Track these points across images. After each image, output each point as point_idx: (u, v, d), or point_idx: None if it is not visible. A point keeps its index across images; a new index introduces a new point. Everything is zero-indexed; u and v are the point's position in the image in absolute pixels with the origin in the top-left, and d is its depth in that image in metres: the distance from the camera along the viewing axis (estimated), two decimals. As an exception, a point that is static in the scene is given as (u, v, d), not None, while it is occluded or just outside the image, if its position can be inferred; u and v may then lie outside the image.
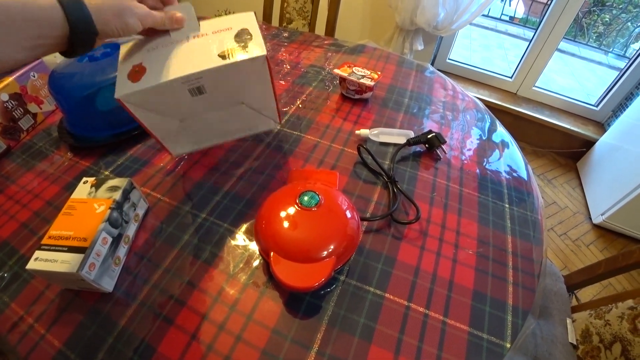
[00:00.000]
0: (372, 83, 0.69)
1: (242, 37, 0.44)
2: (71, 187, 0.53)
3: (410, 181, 0.56)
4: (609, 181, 1.49)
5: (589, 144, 1.73)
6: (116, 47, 0.65)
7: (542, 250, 0.49)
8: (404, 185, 0.55)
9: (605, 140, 1.64)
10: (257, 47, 0.43)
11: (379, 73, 0.72)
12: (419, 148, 0.62)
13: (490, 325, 0.39)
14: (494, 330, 0.39)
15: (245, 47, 0.43)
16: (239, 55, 0.42)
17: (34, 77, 0.67)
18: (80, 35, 0.32)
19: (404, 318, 0.39)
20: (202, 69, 0.41)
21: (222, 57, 0.43)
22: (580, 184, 1.70)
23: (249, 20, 0.46)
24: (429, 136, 0.60)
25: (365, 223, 0.49)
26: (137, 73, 0.42)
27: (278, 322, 0.38)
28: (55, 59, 0.76)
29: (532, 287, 0.44)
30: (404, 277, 0.43)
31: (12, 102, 0.62)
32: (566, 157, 1.86)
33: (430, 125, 0.69)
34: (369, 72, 0.72)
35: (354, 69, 0.72)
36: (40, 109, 0.69)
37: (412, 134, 0.63)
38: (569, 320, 0.70)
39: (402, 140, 0.62)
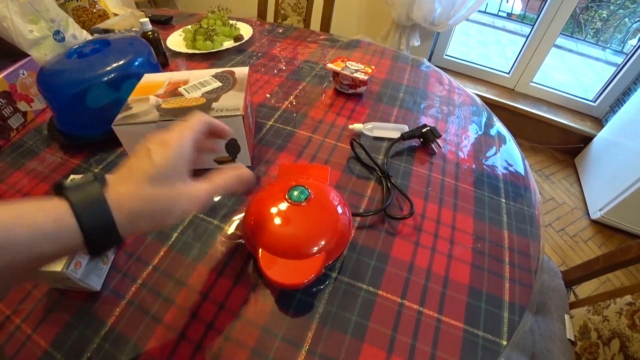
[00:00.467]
0: (365, 77, 0.68)
1: (231, 149, 0.51)
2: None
3: (404, 176, 0.55)
4: (607, 177, 1.49)
5: (587, 139, 1.72)
6: (105, 43, 0.64)
7: (540, 245, 0.48)
8: (398, 180, 0.54)
9: (603, 136, 1.64)
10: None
11: (373, 67, 0.71)
12: (413, 142, 0.61)
13: (486, 322, 0.38)
14: (490, 327, 0.38)
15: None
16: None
17: (24, 74, 0.66)
18: (102, 249, 0.25)
19: (397, 315, 0.38)
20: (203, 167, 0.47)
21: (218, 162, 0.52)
22: (578, 180, 1.70)
23: (237, 130, 0.49)
24: (423, 130, 0.59)
25: (358, 219, 0.48)
26: None
27: (268, 321, 0.37)
28: (45, 56, 0.75)
29: (529, 283, 0.43)
30: (397, 274, 0.42)
31: (2, 100, 0.61)
32: (564, 153, 1.86)
33: (425, 120, 0.68)
34: (362, 67, 0.71)
35: (347, 63, 0.71)
36: (31, 107, 0.68)
37: (406, 129, 0.62)
38: (567, 317, 0.69)
39: (396, 135, 0.61)
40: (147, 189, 0.26)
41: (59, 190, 0.24)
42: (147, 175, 0.26)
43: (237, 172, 0.33)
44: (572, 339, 0.66)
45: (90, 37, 0.85)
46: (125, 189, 0.26)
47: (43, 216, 0.22)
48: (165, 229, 0.30)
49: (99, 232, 0.24)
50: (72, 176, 0.44)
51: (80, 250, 0.24)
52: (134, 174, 0.27)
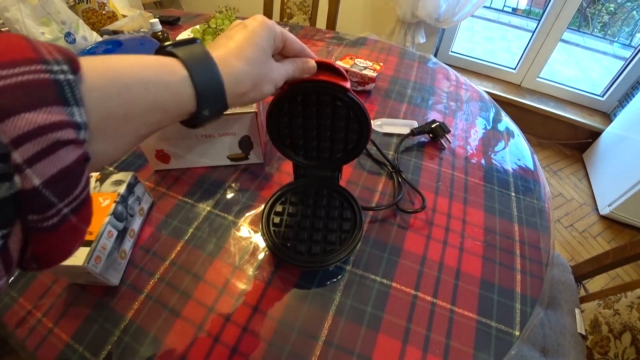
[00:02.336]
0: (374, 74, 0.68)
1: (244, 146, 0.53)
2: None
3: (414, 171, 0.56)
4: (616, 172, 1.47)
5: (595, 134, 1.71)
6: (117, 43, 0.65)
7: (550, 238, 0.48)
8: (408, 175, 0.55)
9: (611, 131, 1.62)
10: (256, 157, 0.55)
11: (381, 64, 0.72)
12: (423, 138, 0.62)
13: (499, 314, 0.39)
14: (503, 318, 0.38)
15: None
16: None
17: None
18: (207, 115, 0.26)
19: (411, 307, 0.39)
20: (217, 163, 0.55)
21: (231, 159, 0.55)
22: (587, 175, 1.68)
23: (249, 126, 0.50)
24: (432, 126, 0.59)
25: (370, 213, 0.49)
26: (162, 157, 0.53)
27: (284, 313, 0.38)
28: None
29: (540, 275, 0.43)
30: (410, 266, 0.42)
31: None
32: (572, 149, 1.84)
33: (434, 115, 0.69)
34: (371, 64, 0.71)
35: (356, 60, 0.72)
36: (44, 107, 0.69)
37: (415, 124, 0.63)
38: (577, 311, 0.69)
39: (405, 131, 0.61)
40: (248, 50, 0.27)
41: (161, 52, 0.25)
42: (247, 38, 0.27)
43: (303, 61, 0.34)
44: (583, 332, 0.66)
45: (100, 39, 0.86)
46: (225, 50, 0.26)
47: (160, 65, 0.23)
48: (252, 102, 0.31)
49: (208, 88, 0.24)
50: (92, 174, 0.45)
51: (183, 112, 0.24)
52: (233, 38, 0.27)
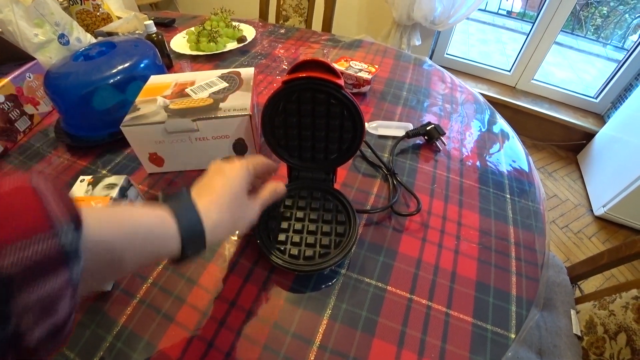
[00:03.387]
0: (369, 76, 0.68)
1: (238, 149, 0.53)
2: (69, 187, 0.52)
3: (410, 173, 0.56)
4: (610, 173, 1.49)
5: (589, 136, 1.72)
6: (111, 45, 0.64)
7: (545, 240, 0.48)
8: (403, 178, 0.55)
9: (605, 132, 1.64)
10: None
11: (377, 67, 0.72)
12: (418, 140, 0.62)
13: (495, 316, 0.39)
14: (498, 321, 0.38)
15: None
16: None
17: (30, 78, 0.67)
18: (189, 255, 0.29)
19: (406, 310, 0.39)
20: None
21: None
22: (581, 177, 1.69)
23: (243, 128, 0.50)
24: (428, 128, 0.59)
25: (365, 216, 0.48)
26: (156, 160, 0.53)
27: (279, 317, 0.38)
28: (50, 60, 0.76)
29: (535, 277, 0.43)
30: (405, 270, 0.42)
31: (8, 103, 0.62)
32: (566, 150, 1.85)
33: (429, 118, 0.69)
34: (366, 66, 0.71)
35: (351, 63, 0.72)
36: (37, 110, 0.68)
37: (411, 127, 0.63)
38: (573, 312, 0.69)
39: (401, 133, 0.61)
40: (226, 199, 0.32)
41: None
42: (225, 187, 0.32)
43: (274, 187, 0.38)
44: (579, 333, 0.66)
45: (94, 40, 0.86)
46: (208, 199, 0.31)
47: (154, 216, 0.27)
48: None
49: (192, 236, 0.28)
50: (81, 177, 0.45)
51: (169, 255, 0.28)
52: (214, 187, 0.32)
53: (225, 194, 0.32)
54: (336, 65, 0.71)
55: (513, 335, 0.37)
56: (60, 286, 0.18)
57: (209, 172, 0.34)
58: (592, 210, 1.52)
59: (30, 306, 0.16)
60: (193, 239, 0.28)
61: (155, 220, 0.27)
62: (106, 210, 0.25)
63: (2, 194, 0.18)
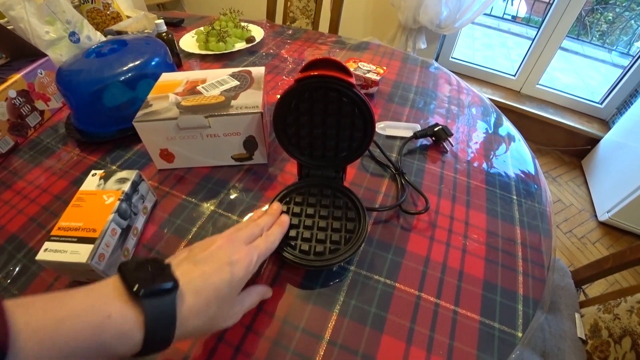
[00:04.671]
0: (377, 78, 0.69)
1: (248, 146, 0.53)
2: (79, 181, 0.53)
3: (417, 173, 0.56)
4: (614, 178, 1.48)
5: (594, 141, 1.72)
6: (123, 43, 0.65)
7: (551, 241, 0.48)
8: (411, 178, 0.55)
9: (610, 138, 1.64)
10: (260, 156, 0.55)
11: (385, 68, 0.72)
12: (425, 141, 0.62)
13: (502, 315, 0.39)
14: (506, 319, 0.38)
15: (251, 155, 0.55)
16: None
17: (41, 74, 0.67)
18: (156, 349, 0.25)
19: (415, 307, 0.39)
20: (221, 163, 0.56)
21: (235, 159, 0.55)
22: (585, 182, 1.69)
23: (254, 126, 0.50)
24: (435, 129, 0.60)
25: (374, 214, 0.49)
26: (167, 156, 0.53)
27: (289, 313, 0.38)
28: (61, 57, 0.77)
29: (542, 277, 0.43)
30: (414, 267, 0.43)
31: (20, 99, 0.63)
32: (570, 155, 1.85)
33: (436, 119, 0.69)
34: (374, 67, 0.72)
35: (359, 64, 0.72)
36: (48, 106, 0.69)
37: (418, 127, 0.63)
38: (577, 315, 0.69)
39: (408, 134, 0.61)
40: (213, 309, 0.28)
41: (130, 279, 0.24)
42: (220, 294, 0.28)
43: (258, 291, 0.36)
44: (583, 337, 0.66)
45: (104, 39, 0.87)
46: (195, 305, 0.27)
47: (112, 333, 0.22)
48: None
49: (156, 346, 0.24)
50: (93, 171, 0.45)
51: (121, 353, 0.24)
52: (208, 289, 0.28)
53: (217, 298, 0.28)
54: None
55: (520, 334, 0.37)
56: None
57: (215, 250, 0.30)
58: (596, 216, 1.52)
59: None
60: (156, 348, 0.25)
61: (114, 335, 0.22)
62: (41, 330, 0.20)
63: None
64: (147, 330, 0.23)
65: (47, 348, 0.20)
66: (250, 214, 0.49)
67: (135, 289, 0.24)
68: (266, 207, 0.44)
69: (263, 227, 0.37)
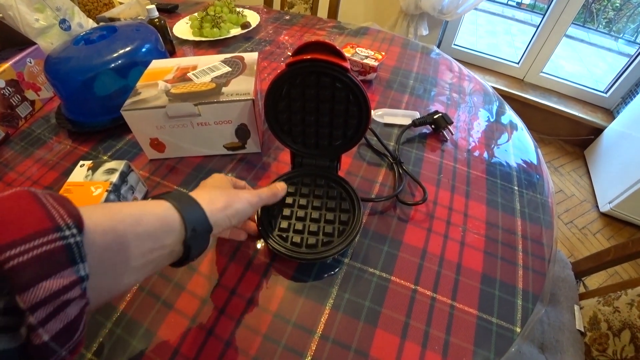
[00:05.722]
0: (375, 64, 0.66)
1: (241, 135, 0.52)
2: (70, 172, 0.51)
3: (416, 163, 0.54)
4: (617, 169, 1.46)
5: (597, 131, 1.69)
6: (112, 29, 0.63)
7: (553, 233, 0.47)
8: (409, 167, 0.53)
9: (614, 128, 1.61)
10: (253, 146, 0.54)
11: (383, 54, 0.70)
12: (424, 129, 0.60)
13: (500, 309, 0.38)
14: (504, 314, 0.37)
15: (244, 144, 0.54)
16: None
17: (31, 63, 0.66)
18: (199, 236, 0.28)
19: (410, 301, 0.38)
20: (213, 152, 0.54)
21: (227, 148, 0.54)
22: (588, 172, 1.67)
23: (246, 113, 0.49)
24: (435, 117, 0.58)
25: (369, 205, 0.47)
26: (157, 145, 0.52)
27: (280, 306, 0.37)
28: (52, 45, 0.75)
29: (542, 270, 0.42)
30: (410, 260, 0.41)
31: (9, 89, 0.61)
32: (573, 145, 1.83)
33: (436, 107, 0.67)
34: (372, 53, 0.69)
35: (357, 49, 0.70)
36: (38, 95, 0.67)
37: (417, 115, 0.61)
38: (576, 307, 0.68)
39: (407, 122, 0.60)
40: (218, 189, 0.33)
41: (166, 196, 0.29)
42: (215, 185, 0.35)
43: (273, 187, 0.39)
44: (582, 329, 0.65)
45: (95, 26, 0.84)
46: (208, 199, 0.30)
47: (161, 209, 0.26)
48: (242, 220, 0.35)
49: (196, 224, 0.28)
50: (80, 162, 0.44)
51: (174, 251, 0.27)
52: (206, 187, 0.34)
53: (215, 187, 0.34)
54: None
55: (518, 329, 0.37)
56: (68, 284, 0.18)
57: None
58: (597, 207, 1.50)
59: (40, 303, 0.16)
60: (196, 233, 0.28)
61: (157, 210, 0.26)
62: (106, 207, 0.24)
63: (1, 198, 0.18)
64: (179, 209, 0.27)
65: (111, 225, 0.22)
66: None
67: (172, 200, 0.28)
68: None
69: None
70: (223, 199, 0.31)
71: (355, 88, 0.36)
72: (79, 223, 0.19)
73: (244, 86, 0.48)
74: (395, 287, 0.39)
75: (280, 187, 0.40)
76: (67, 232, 0.18)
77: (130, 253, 0.23)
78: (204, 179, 0.37)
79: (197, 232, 0.28)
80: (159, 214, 0.26)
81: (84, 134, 0.60)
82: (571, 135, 1.79)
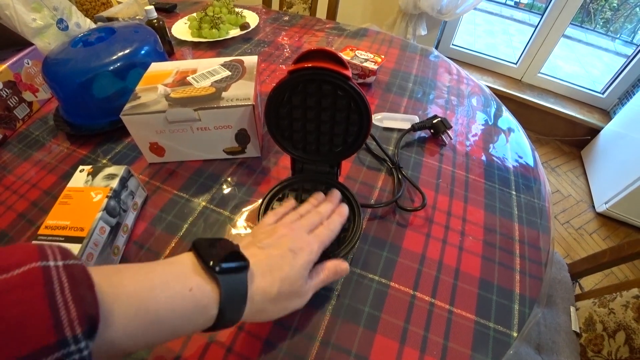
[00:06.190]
0: (375, 67, 0.67)
1: (241, 139, 0.51)
2: (69, 176, 0.52)
3: (415, 167, 0.55)
4: (614, 170, 1.48)
5: (594, 132, 1.70)
6: (111, 31, 0.63)
7: (550, 238, 0.47)
8: (408, 172, 0.54)
9: (610, 128, 1.62)
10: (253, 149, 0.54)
11: (383, 57, 0.70)
12: (423, 133, 0.61)
13: (497, 314, 0.38)
14: (501, 319, 0.38)
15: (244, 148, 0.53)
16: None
17: (28, 64, 0.65)
18: (225, 325, 0.26)
19: (409, 307, 0.38)
20: (213, 157, 0.54)
21: (227, 152, 0.53)
22: (584, 173, 1.68)
23: (246, 118, 0.49)
24: (434, 121, 0.58)
25: (369, 210, 0.48)
26: (157, 150, 0.52)
27: (281, 312, 0.37)
28: (49, 45, 0.74)
29: (539, 275, 0.43)
30: (409, 265, 0.42)
31: (7, 90, 0.61)
32: (570, 145, 1.84)
33: (435, 110, 0.67)
34: (372, 56, 0.69)
35: (356, 52, 0.70)
36: (36, 97, 0.67)
37: (416, 119, 0.61)
38: (572, 309, 0.69)
39: (406, 126, 0.60)
40: (278, 288, 0.28)
41: (208, 251, 0.26)
42: (284, 276, 0.29)
43: (328, 267, 0.35)
44: (578, 330, 0.66)
45: (93, 26, 0.84)
46: (263, 283, 0.28)
47: (193, 306, 0.24)
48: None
49: (226, 322, 0.26)
50: (80, 167, 0.44)
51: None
52: (274, 271, 0.29)
53: (284, 286, 0.29)
54: (342, 55, 0.69)
55: (515, 334, 0.37)
56: None
57: (279, 238, 0.32)
58: (594, 207, 1.52)
59: None
60: (226, 324, 0.26)
61: (194, 308, 0.24)
62: (137, 283, 0.22)
63: (7, 286, 0.16)
64: (221, 305, 0.24)
65: (140, 314, 0.21)
66: (243, 209, 0.48)
67: (211, 264, 0.25)
68: (259, 202, 0.43)
69: (323, 215, 0.37)
70: (264, 317, 0.29)
71: (357, 96, 0.36)
72: (92, 326, 0.18)
73: (244, 91, 0.48)
74: (394, 293, 0.39)
75: (341, 268, 0.36)
76: (73, 347, 0.17)
77: (157, 338, 0.23)
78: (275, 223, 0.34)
79: (226, 325, 0.26)
80: (198, 302, 0.24)
81: (83, 137, 0.60)
82: (568, 136, 1.80)
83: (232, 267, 0.26)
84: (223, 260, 0.25)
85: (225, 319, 0.25)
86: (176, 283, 0.24)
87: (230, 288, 0.25)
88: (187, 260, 0.26)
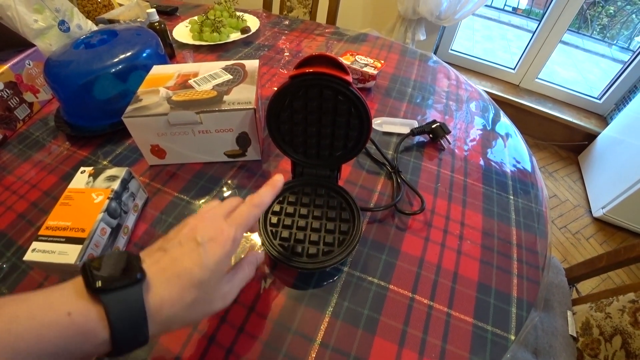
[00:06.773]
0: (375, 72, 0.67)
1: (241, 142, 0.52)
2: (69, 177, 0.52)
3: (414, 171, 0.55)
4: (611, 175, 1.49)
5: (591, 137, 1.72)
6: (113, 33, 0.63)
7: (547, 242, 0.48)
8: (407, 176, 0.54)
9: (607, 134, 1.63)
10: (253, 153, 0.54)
11: (382, 62, 0.71)
12: (422, 138, 0.61)
13: (495, 317, 0.39)
14: (499, 322, 0.38)
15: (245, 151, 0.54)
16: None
17: (29, 65, 0.65)
18: (131, 347, 0.23)
19: (408, 310, 0.39)
20: (214, 159, 0.55)
21: (228, 155, 0.54)
22: (581, 177, 1.70)
23: (248, 122, 0.49)
24: (433, 126, 0.59)
25: (368, 213, 0.48)
26: (158, 152, 0.52)
27: (281, 314, 0.38)
28: (50, 47, 0.75)
29: (536, 279, 0.43)
30: (408, 269, 0.42)
31: (8, 91, 0.61)
32: (568, 150, 1.85)
33: (433, 115, 0.68)
34: (372, 61, 0.70)
35: (356, 57, 0.71)
36: (37, 98, 0.67)
37: (416, 124, 0.62)
38: (569, 313, 0.70)
39: (405, 130, 0.60)
40: (189, 295, 0.25)
41: (91, 275, 0.22)
42: (194, 279, 0.25)
43: (249, 261, 0.33)
44: (574, 335, 0.67)
45: (95, 28, 0.84)
46: (167, 294, 0.25)
47: (74, 332, 0.21)
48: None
49: (129, 344, 0.23)
50: (82, 168, 0.44)
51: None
52: (180, 275, 0.25)
53: (193, 284, 0.25)
54: (343, 61, 0.70)
55: (512, 337, 0.37)
56: None
57: (186, 232, 0.27)
58: (590, 212, 1.53)
59: None
60: (129, 345, 0.23)
61: (76, 334, 0.21)
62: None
63: None
64: (112, 327, 0.22)
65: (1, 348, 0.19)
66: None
67: (96, 284, 0.22)
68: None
69: (249, 197, 0.32)
70: (180, 325, 0.26)
71: (357, 101, 0.36)
72: None
73: (245, 95, 0.49)
74: (393, 296, 0.40)
75: (260, 257, 0.34)
76: None
77: None
78: (189, 215, 0.30)
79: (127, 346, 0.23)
80: (80, 327, 0.21)
81: (83, 138, 0.60)
82: (565, 141, 1.82)
83: (119, 283, 0.23)
84: (109, 278, 0.23)
85: (126, 340, 0.23)
86: (49, 311, 0.21)
87: (121, 306, 0.22)
88: (70, 283, 0.23)
